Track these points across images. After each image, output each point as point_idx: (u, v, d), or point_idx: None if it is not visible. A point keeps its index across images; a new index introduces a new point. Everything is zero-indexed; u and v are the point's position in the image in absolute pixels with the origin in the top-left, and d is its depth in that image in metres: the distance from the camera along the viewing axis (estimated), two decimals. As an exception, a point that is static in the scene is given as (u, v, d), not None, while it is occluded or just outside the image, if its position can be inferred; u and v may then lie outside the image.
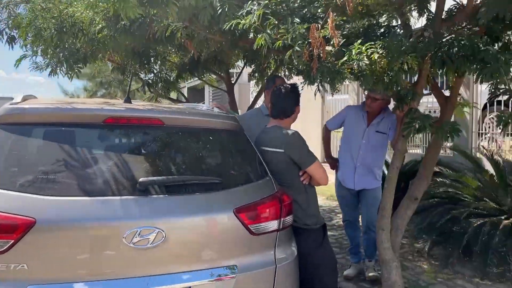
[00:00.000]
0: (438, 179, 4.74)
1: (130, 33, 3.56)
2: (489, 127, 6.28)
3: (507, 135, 6.10)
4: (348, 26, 3.44)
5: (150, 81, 5.02)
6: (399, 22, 3.49)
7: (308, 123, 9.86)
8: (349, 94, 8.97)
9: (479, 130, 5.99)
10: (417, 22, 3.71)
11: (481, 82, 2.55)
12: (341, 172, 3.83)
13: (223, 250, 2.00)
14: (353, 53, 2.61)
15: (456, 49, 2.59)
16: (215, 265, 1.95)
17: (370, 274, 3.64)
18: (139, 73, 5.11)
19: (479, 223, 3.82)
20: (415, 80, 3.23)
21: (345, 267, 3.93)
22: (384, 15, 3.63)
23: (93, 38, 3.74)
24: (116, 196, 1.86)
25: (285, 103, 2.51)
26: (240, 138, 2.40)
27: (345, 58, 2.65)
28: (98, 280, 1.80)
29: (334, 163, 3.95)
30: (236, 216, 2.00)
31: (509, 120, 3.33)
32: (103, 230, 1.83)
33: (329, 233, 5.15)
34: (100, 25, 3.65)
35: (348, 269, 3.82)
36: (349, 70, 2.71)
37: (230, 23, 2.39)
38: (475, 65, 2.51)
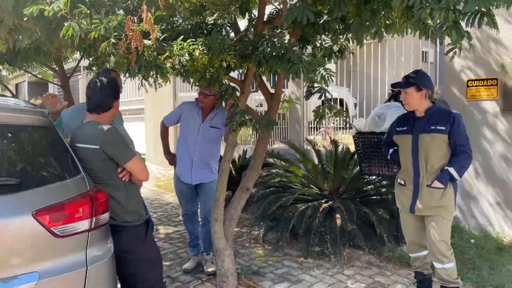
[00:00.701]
0: (273, 170, 5.15)
1: None
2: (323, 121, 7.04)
3: (338, 129, 6.92)
4: (183, 23, 3.50)
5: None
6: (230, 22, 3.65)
7: (161, 120, 9.71)
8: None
9: (310, 125, 6.66)
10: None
11: (288, 80, 2.83)
12: (179, 167, 3.86)
13: (21, 257, 1.82)
14: (175, 48, 2.65)
15: (270, 49, 2.83)
16: (9, 274, 1.77)
17: (209, 269, 3.70)
18: None
19: (303, 207, 4.26)
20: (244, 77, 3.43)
21: (186, 261, 3.98)
22: (215, 14, 3.76)
23: None
24: None
25: (102, 97, 2.40)
26: (49, 134, 2.22)
27: (166, 54, 2.67)
28: None
29: (172, 159, 3.97)
30: (36, 219, 1.84)
31: (323, 115, 3.79)
32: None
33: (174, 228, 5.18)
34: None
35: (187, 263, 3.87)
36: (171, 65, 2.74)
37: (31, 9, 2.19)
38: (284, 64, 2.76)
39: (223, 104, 3.12)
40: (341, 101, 7.77)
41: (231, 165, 6.05)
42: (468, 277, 3.40)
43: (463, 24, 1.97)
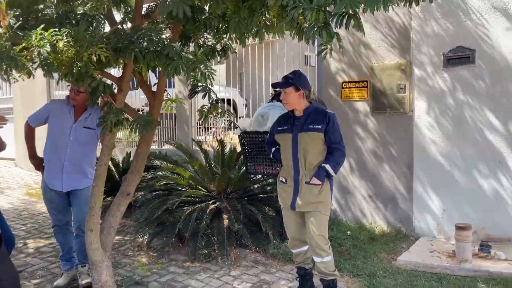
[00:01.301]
0: (159, 173, 4.92)
1: None
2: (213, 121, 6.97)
3: (228, 129, 6.91)
4: (49, 11, 3.12)
5: None
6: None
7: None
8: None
9: (198, 125, 6.56)
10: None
11: (168, 77, 2.69)
12: (47, 173, 3.46)
13: None
14: (33, 38, 2.33)
15: (146, 44, 2.65)
16: None
17: (84, 281, 3.39)
18: None
19: (190, 210, 4.13)
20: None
21: (59, 277, 3.57)
22: (88, 4, 3.44)
23: None
24: None
25: None
26: None
27: (23, 44, 2.34)
28: None
29: (39, 164, 3.54)
30: None
31: (207, 115, 3.70)
32: None
33: (46, 241, 4.66)
34: None
35: (59, 279, 3.48)
36: (29, 57, 2.41)
37: None
38: (163, 61, 2.60)
39: (97, 102, 2.85)
40: (230, 101, 7.82)
41: (114, 168, 5.69)
42: (345, 267, 3.61)
43: (333, 25, 2.04)
